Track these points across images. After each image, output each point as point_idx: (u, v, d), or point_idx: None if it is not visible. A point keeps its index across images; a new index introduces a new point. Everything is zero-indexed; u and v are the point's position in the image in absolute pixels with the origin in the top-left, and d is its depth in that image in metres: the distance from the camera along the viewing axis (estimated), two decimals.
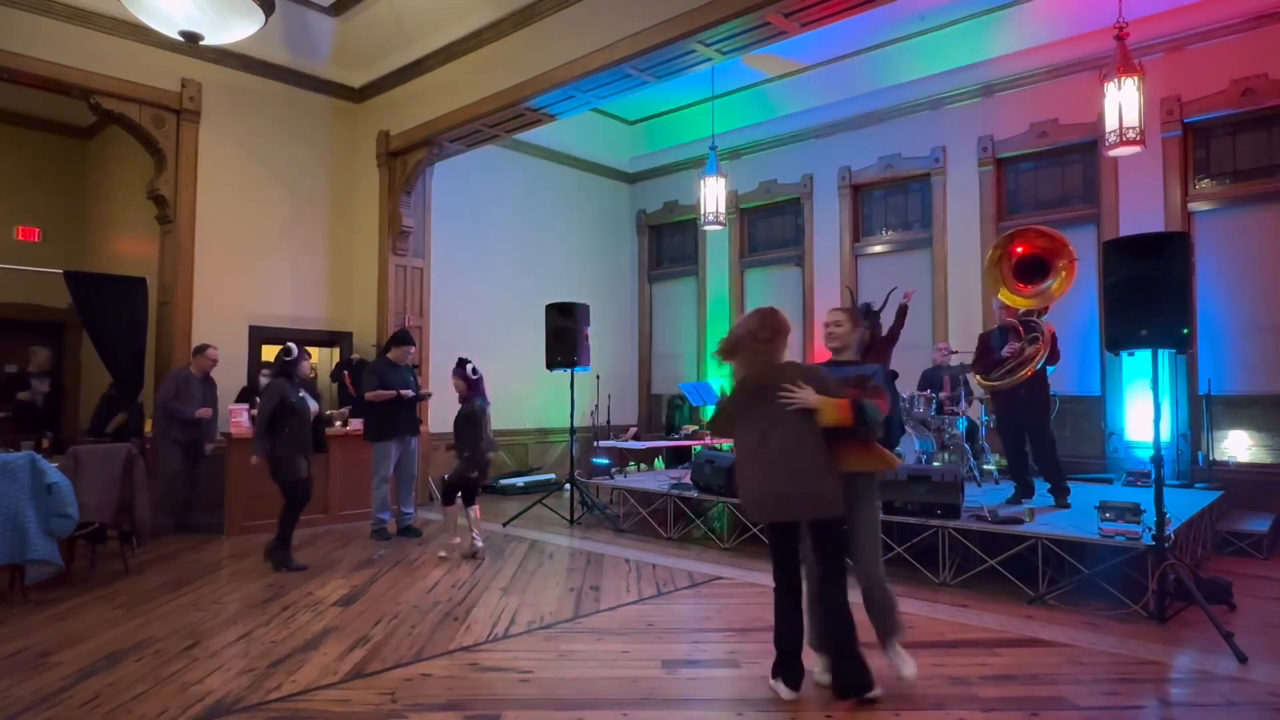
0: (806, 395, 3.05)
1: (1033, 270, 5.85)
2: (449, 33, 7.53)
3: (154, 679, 3.41)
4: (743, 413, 3.21)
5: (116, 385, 7.17)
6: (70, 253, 9.45)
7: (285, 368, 5.56)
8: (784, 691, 3.17)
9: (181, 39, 5.48)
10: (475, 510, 5.87)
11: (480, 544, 5.84)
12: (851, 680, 3.11)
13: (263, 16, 5.53)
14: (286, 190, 8.20)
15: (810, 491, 3.06)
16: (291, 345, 5.67)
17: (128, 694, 3.24)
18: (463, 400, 5.91)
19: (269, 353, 7.99)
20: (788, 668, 3.19)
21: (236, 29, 5.60)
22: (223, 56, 7.54)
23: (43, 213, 9.78)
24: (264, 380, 7.32)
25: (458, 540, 5.87)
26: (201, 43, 5.67)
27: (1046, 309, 6.00)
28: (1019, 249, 5.87)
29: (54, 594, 4.77)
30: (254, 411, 7.08)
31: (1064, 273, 5.65)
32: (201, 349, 6.96)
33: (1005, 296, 5.92)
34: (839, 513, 3.11)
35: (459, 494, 5.86)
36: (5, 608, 4.52)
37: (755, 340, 3.17)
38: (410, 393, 6.60)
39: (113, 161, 9.51)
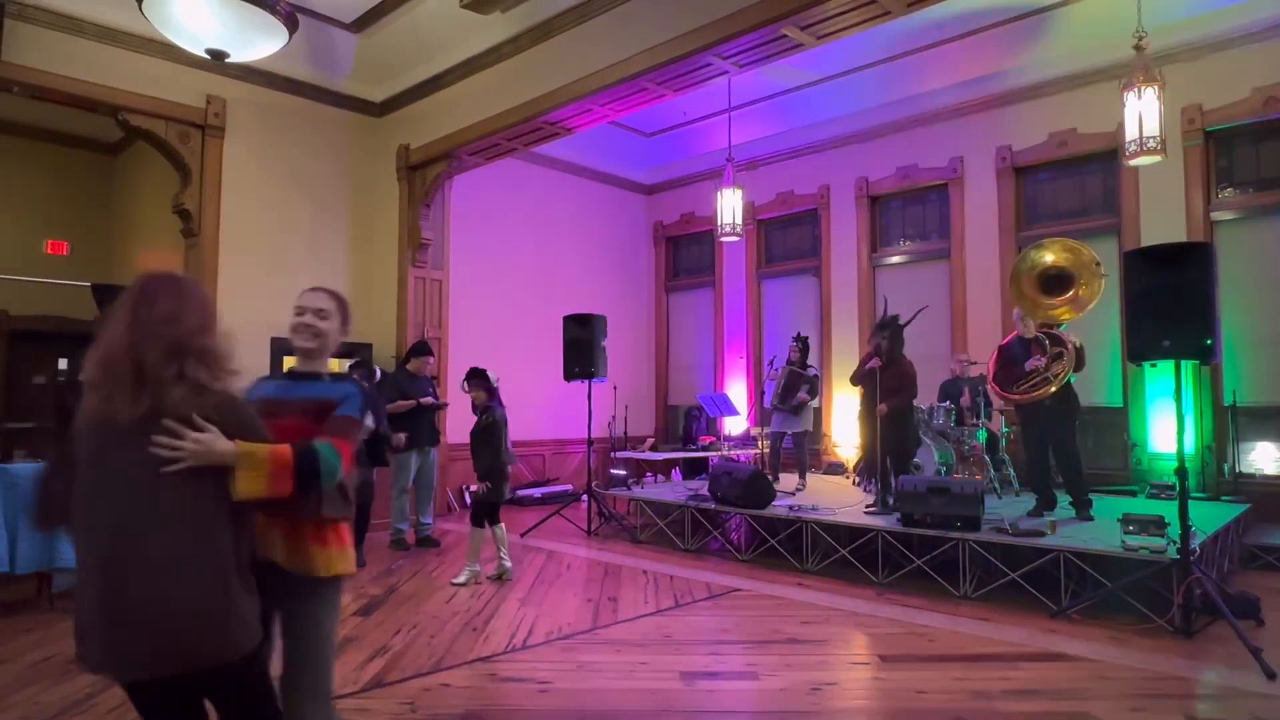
0: (203, 444, 1.70)
1: (1057, 284, 5.75)
2: (468, 48, 7.62)
3: None
4: (86, 473, 1.74)
5: None
6: (97, 266, 9.63)
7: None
8: None
9: (208, 56, 5.59)
10: (502, 527, 5.55)
11: (509, 564, 5.55)
12: None
13: (286, 34, 5.63)
14: (308, 203, 8.32)
15: (189, 622, 1.67)
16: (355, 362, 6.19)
17: None
18: (483, 410, 5.58)
19: (290, 365, 8.09)
20: None
21: (261, 46, 5.70)
22: (247, 73, 7.67)
23: (71, 227, 9.97)
24: None
25: (478, 568, 5.50)
26: (227, 60, 5.77)
27: (1062, 322, 5.92)
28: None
29: None
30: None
31: (1086, 286, 5.57)
32: None
33: (1040, 312, 5.79)
34: (246, 650, 1.74)
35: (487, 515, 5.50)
36: (33, 615, 4.59)
37: (144, 334, 1.73)
38: (431, 399, 6.67)
39: (139, 176, 9.69)
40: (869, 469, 6.89)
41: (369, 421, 2.16)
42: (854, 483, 7.55)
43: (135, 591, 1.65)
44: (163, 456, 1.68)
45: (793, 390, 7.58)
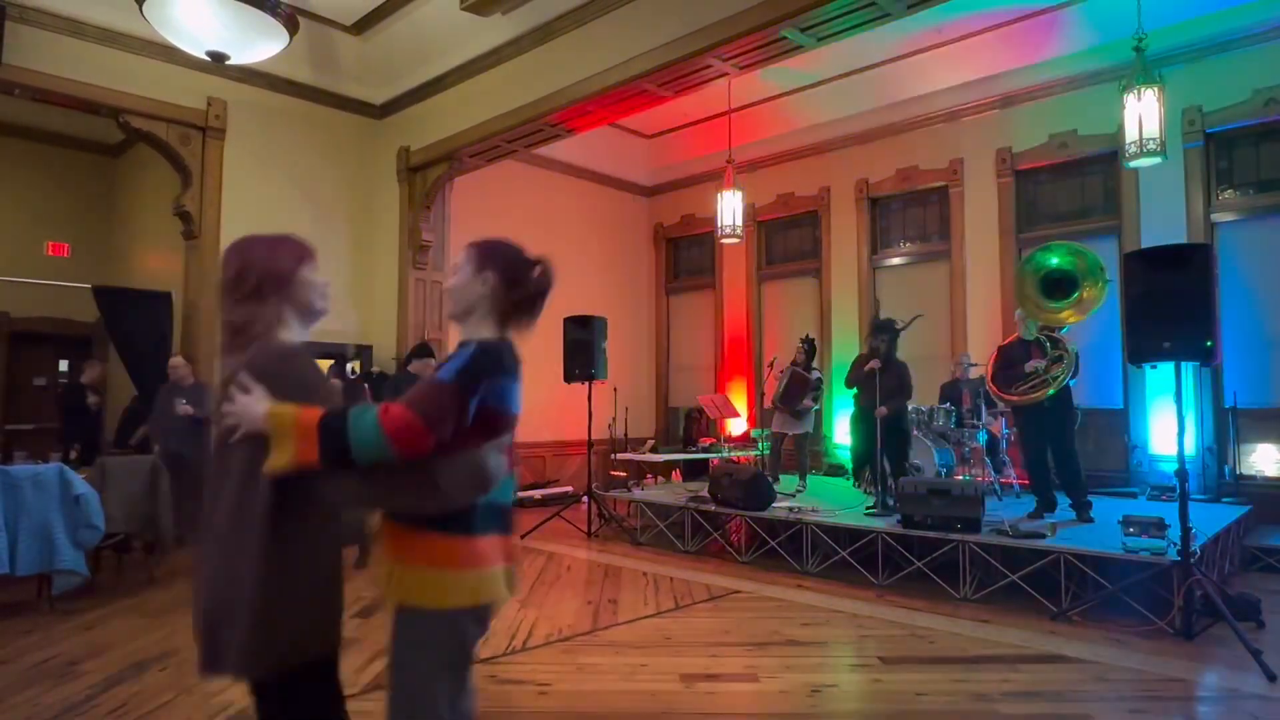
0: (243, 406, 1.51)
1: (1059, 287, 5.72)
2: (468, 50, 7.63)
3: (179, 688, 3.45)
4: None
5: (141, 399, 7.28)
6: (98, 268, 9.64)
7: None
8: None
9: (208, 59, 5.61)
10: None
11: None
12: None
13: (287, 36, 5.66)
14: (309, 205, 8.32)
15: (235, 620, 1.54)
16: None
17: (153, 703, 3.28)
18: None
19: None
20: None
21: (261, 48, 5.73)
22: (248, 75, 7.68)
23: (72, 229, 9.99)
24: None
25: None
26: (227, 62, 5.79)
27: (1065, 325, 5.91)
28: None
29: (80, 604, 4.84)
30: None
31: (1088, 291, 5.54)
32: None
33: (1043, 316, 5.76)
34: (268, 669, 1.61)
35: None
36: (33, 617, 4.60)
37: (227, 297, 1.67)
38: None
39: (140, 178, 9.70)
40: (860, 470, 6.92)
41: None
42: (854, 485, 7.55)
43: (201, 587, 1.59)
44: (225, 425, 1.51)
45: (798, 394, 7.58)
